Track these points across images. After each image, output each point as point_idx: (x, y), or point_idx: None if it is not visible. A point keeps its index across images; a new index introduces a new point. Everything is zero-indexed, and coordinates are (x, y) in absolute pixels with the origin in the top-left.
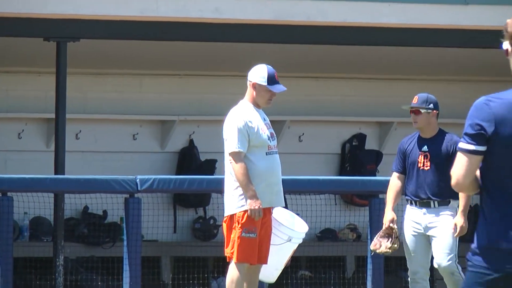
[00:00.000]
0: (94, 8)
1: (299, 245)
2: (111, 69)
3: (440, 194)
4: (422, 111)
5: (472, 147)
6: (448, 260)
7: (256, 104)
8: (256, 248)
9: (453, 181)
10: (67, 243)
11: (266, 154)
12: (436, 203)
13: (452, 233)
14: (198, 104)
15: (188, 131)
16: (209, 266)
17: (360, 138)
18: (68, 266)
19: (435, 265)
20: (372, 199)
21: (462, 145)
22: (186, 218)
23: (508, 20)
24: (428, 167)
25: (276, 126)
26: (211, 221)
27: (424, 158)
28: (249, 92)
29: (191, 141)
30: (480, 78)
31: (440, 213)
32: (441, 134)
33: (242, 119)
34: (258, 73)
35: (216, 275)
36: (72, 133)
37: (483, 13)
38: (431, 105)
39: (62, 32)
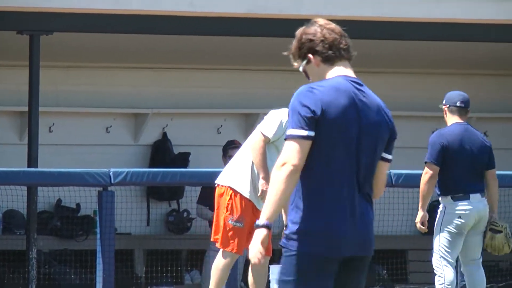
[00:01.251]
0: (68, 1)
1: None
2: (84, 62)
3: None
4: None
5: (304, 132)
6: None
7: None
8: (243, 238)
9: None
10: (40, 236)
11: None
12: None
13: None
14: (172, 97)
15: (162, 124)
16: (182, 259)
17: None
18: (41, 259)
19: None
20: None
21: (292, 131)
22: (160, 211)
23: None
24: None
25: (250, 118)
26: (185, 214)
27: None
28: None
29: (164, 134)
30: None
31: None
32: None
33: None
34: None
35: (189, 268)
36: (45, 126)
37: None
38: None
39: (35, 25)
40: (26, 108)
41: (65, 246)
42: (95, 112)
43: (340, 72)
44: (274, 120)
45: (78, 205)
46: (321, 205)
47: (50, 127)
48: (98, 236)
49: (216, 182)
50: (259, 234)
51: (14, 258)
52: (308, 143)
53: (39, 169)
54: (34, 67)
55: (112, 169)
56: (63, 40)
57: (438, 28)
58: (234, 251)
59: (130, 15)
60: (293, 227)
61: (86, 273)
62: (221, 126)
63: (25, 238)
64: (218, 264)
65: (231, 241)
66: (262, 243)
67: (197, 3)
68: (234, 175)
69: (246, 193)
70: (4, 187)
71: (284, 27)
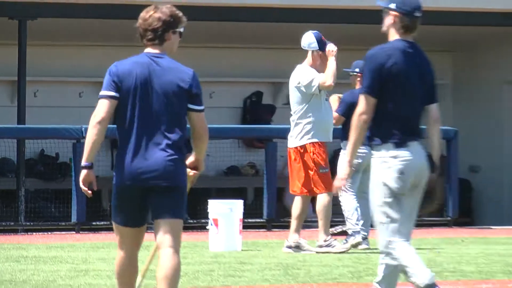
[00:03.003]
0: None
1: (209, 179)
2: (62, 42)
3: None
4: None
5: (110, 93)
6: None
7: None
8: (330, 177)
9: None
10: (27, 178)
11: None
12: None
13: None
14: None
15: None
16: None
17: (258, 95)
18: (28, 197)
19: None
20: (267, 143)
21: (102, 92)
22: None
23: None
24: None
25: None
26: None
27: None
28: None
29: None
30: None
31: None
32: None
33: None
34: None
35: None
36: (31, 92)
37: None
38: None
39: (23, 12)
40: (15, 78)
41: (47, 186)
42: (71, 81)
43: (147, 50)
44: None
45: (57, 154)
46: (123, 148)
47: (35, 93)
48: (73, 178)
49: (289, 147)
50: (82, 173)
51: (7, 196)
52: (113, 102)
53: (26, 125)
54: (22, 45)
55: (84, 126)
56: (45, 24)
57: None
58: (333, 190)
59: (97, 4)
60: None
61: (63, 207)
62: None
63: (15, 180)
64: (325, 203)
65: (328, 183)
66: (84, 180)
67: None
68: (303, 133)
69: (321, 138)
70: None
71: (218, 13)
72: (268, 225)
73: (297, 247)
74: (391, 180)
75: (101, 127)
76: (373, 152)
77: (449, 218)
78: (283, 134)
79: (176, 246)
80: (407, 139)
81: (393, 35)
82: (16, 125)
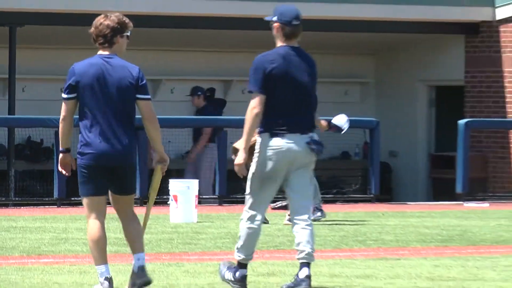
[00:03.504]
0: (33, 3)
1: (170, 161)
2: (46, 45)
3: None
4: None
5: (67, 95)
6: None
7: None
8: None
9: None
10: (16, 160)
11: None
12: None
13: None
14: None
15: None
16: None
17: (211, 90)
18: (17, 176)
19: None
20: (219, 131)
21: (63, 95)
22: None
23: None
24: None
25: (156, 83)
26: None
27: None
28: None
29: None
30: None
31: None
32: None
33: None
34: None
35: None
36: (20, 88)
37: None
38: None
39: (13, 20)
40: (7, 76)
41: (33, 167)
42: (53, 78)
43: (99, 53)
44: None
45: (42, 140)
46: (86, 135)
47: (23, 88)
48: (55, 161)
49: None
50: (60, 157)
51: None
52: (72, 102)
53: (15, 116)
54: (12, 48)
55: None
56: (32, 30)
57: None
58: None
59: (73, 14)
60: (79, 149)
61: (47, 185)
62: None
63: (6, 161)
64: None
65: None
66: (61, 162)
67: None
68: None
69: None
70: None
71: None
72: (220, 201)
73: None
74: (263, 163)
75: (65, 123)
76: (256, 137)
77: (372, 195)
78: (234, 124)
79: (134, 213)
80: (285, 131)
81: (278, 42)
82: (7, 116)
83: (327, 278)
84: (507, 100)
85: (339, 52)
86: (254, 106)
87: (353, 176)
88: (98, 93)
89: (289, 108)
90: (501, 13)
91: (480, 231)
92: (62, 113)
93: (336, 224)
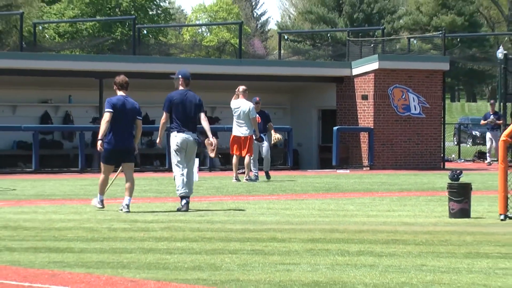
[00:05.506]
0: (114, 66)
1: None
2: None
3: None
4: None
5: (110, 110)
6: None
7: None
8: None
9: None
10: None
11: None
12: None
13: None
14: None
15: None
16: None
17: None
18: (65, 155)
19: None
20: None
21: (106, 110)
22: None
23: None
24: None
25: None
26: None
27: None
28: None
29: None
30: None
31: None
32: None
33: None
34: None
35: None
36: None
37: None
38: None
39: (103, 76)
40: (98, 104)
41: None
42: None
43: (120, 93)
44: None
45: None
46: (111, 133)
47: None
48: (90, 146)
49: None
50: (99, 142)
51: None
52: (110, 114)
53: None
54: (101, 92)
55: (24, 125)
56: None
57: None
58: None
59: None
60: (105, 140)
61: (75, 161)
62: None
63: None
64: (248, 159)
65: (249, 150)
66: (98, 144)
67: None
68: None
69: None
70: None
71: None
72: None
73: (250, 179)
74: (174, 144)
75: (107, 124)
76: (170, 133)
77: (288, 166)
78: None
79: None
80: (182, 130)
81: (180, 87)
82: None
83: (265, 210)
84: (358, 117)
85: (272, 92)
86: (164, 118)
87: (279, 156)
88: (121, 114)
89: (183, 119)
90: (354, 71)
91: (345, 185)
92: (106, 118)
93: (271, 181)
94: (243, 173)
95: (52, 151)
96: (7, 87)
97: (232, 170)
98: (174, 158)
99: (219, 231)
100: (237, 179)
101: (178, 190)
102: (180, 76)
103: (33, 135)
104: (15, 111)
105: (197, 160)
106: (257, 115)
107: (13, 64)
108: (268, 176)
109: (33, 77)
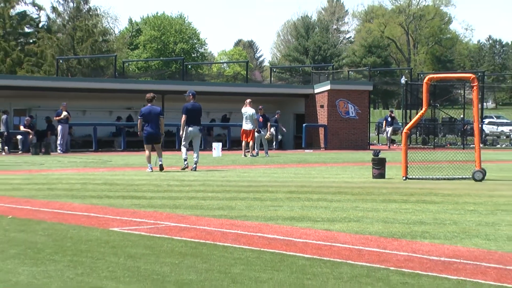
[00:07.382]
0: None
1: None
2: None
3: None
4: None
5: (141, 118)
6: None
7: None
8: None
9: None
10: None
11: None
12: None
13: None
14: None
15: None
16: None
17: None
18: (121, 141)
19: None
20: None
21: (140, 117)
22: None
23: None
24: None
25: None
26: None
27: None
28: None
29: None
30: None
31: None
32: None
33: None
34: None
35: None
36: None
37: None
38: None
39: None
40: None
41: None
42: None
43: (149, 104)
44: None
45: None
46: (146, 127)
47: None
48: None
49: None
50: (140, 132)
51: None
52: (141, 120)
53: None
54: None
55: None
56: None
57: None
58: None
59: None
60: (143, 130)
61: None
62: None
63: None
64: (252, 143)
65: (251, 138)
66: (140, 134)
67: None
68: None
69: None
70: None
71: None
72: None
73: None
74: (185, 133)
75: (140, 125)
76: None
77: (275, 148)
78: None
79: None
80: (191, 125)
81: (190, 100)
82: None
83: (262, 174)
84: (318, 118)
85: (266, 103)
86: (183, 118)
87: (271, 142)
88: (149, 116)
89: (191, 119)
90: (316, 91)
91: (310, 159)
92: (141, 123)
93: (267, 158)
94: (248, 151)
95: (132, 137)
96: (106, 100)
97: (241, 150)
98: (184, 141)
99: (234, 186)
100: (245, 155)
101: (184, 159)
102: (190, 94)
103: (121, 129)
104: (111, 114)
105: (220, 144)
106: (260, 117)
107: (110, 86)
108: (266, 154)
109: (121, 93)
